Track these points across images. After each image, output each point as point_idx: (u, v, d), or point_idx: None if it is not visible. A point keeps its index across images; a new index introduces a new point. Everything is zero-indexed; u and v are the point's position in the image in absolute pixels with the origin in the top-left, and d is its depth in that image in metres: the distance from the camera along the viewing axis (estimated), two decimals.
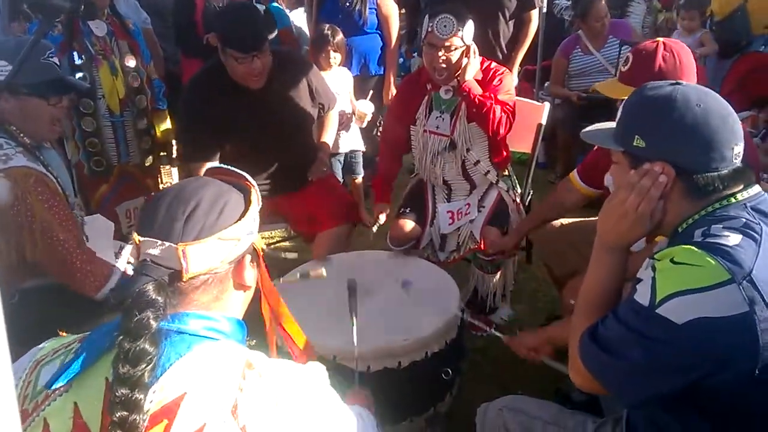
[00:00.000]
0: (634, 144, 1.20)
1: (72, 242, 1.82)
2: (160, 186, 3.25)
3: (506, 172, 2.81)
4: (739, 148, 1.16)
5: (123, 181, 2.87)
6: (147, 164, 3.00)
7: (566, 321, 1.40)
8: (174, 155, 3.52)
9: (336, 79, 3.57)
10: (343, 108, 3.51)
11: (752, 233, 1.08)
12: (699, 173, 1.15)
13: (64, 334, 1.03)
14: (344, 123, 3.56)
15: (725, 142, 1.14)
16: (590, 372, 1.17)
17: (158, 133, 3.07)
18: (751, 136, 3.23)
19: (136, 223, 0.98)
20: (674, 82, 1.22)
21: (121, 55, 2.78)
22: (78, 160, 2.75)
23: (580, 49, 4.28)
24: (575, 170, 2.34)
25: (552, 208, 2.46)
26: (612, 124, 1.30)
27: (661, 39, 1.92)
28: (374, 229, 2.67)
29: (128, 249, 2.23)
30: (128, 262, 2.21)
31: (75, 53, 2.61)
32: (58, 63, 1.91)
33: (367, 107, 3.52)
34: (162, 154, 3.23)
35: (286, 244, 3.49)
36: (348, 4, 3.71)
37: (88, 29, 2.69)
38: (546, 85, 4.63)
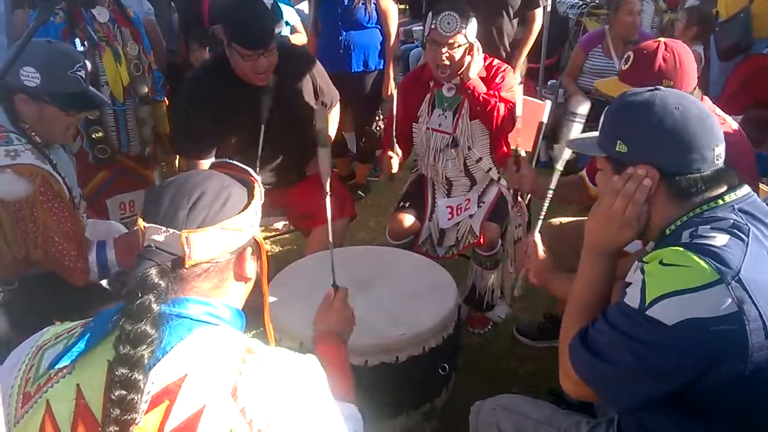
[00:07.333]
0: (617, 149, 1.22)
1: (68, 245, 1.83)
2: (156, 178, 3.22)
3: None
4: (719, 150, 1.18)
5: (119, 173, 2.85)
6: (146, 154, 2.98)
7: (570, 279, 1.38)
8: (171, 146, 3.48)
9: None
10: None
11: (740, 234, 1.09)
12: (681, 175, 1.17)
13: (58, 323, 1.03)
14: None
15: (705, 143, 1.16)
16: (581, 378, 1.17)
17: (156, 124, 3.04)
18: None
19: (141, 210, 0.99)
20: (653, 87, 1.25)
21: (124, 41, 2.76)
22: (80, 148, 2.72)
23: (601, 49, 4.20)
24: (584, 171, 2.32)
25: (567, 195, 2.31)
26: (596, 133, 1.31)
27: (662, 39, 1.90)
28: (394, 167, 2.59)
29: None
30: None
31: (77, 40, 2.57)
32: (84, 77, 1.90)
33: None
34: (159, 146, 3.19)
35: (285, 237, 3.50)
36: None
37: (90, 15, 2.66)
38: (549, 83, 4.61)
